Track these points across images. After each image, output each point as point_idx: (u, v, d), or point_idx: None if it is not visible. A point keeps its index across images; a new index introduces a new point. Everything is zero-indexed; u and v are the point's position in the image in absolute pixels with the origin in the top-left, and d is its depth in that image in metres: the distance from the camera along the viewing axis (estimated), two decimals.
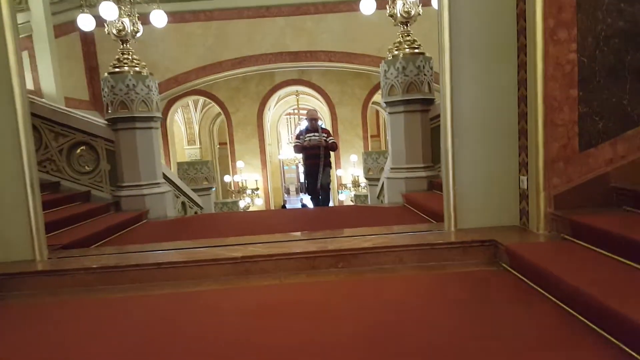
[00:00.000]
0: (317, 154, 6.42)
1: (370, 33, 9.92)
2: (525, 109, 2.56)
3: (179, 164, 6.42)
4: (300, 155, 6.90)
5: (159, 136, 4.59)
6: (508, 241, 2.35)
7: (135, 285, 2.40)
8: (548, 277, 1.87)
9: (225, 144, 14.40)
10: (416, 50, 4.56)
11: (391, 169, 4.81)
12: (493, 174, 2.72)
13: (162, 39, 9.63)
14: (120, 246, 3.09)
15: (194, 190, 6.30)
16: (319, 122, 6.83)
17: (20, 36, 6.97)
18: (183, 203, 5.68)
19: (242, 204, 10.81)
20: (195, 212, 6.14)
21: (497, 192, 2.74)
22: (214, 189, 6.73)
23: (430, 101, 4.65)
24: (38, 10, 7.09)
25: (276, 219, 4.48)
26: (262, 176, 13.63)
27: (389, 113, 4.78)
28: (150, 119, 4.41)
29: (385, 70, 4.60)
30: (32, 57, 7.07)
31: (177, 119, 16.49)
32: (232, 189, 11.29)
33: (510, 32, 2.58)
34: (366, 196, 8.96)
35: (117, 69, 4.27)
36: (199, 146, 16.97)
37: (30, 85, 7.05)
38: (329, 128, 13.02)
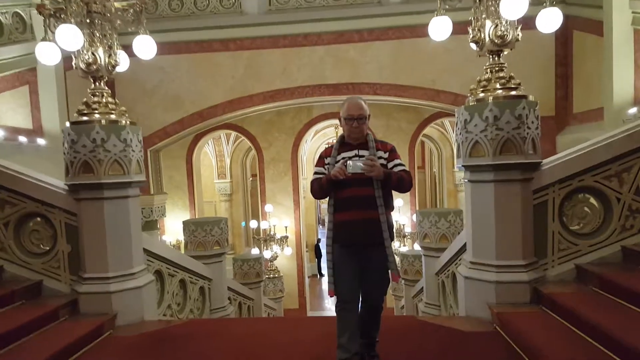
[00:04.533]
0: (363, 198, 2.37)
1: (423, 62, 8.50)
2: None
3: (185, 223, 5.14)
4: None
5: (138, 207, 3.29)
6: None
7: None
8: None
9: (256, 175, 13.29)
10: (513, 92, 3.04)
11: (471, 263, 3.23)
12: None
13: (187, 70, 8.66)
14: None
15: (202, 257, 4.97)
16: (368, 134, 2.55)
17: (21, 69, 6.13)
18: (182, 281, 4.35)
19: (268, 254, 9.44)
20: (201, 288, 4.81)
21: None
22: (226, 254, 5.37)
23: (535, 166, 3.09)
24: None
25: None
26: (294, 218, 12.25)
27: (470, 181, 3.25)
28: (127, 185, 3.11)
29: (465, 120, 3.09)
30: (34, 93, 6.15)
31: (208, 151, 15.63)
32: (261, 236, 9.97)
33: None
34: (416, 257, 7.34)
35: (84, 117, 3.04)
36: (229, 180, 15.96)
37: (29, 124, 6.13)
38: None
